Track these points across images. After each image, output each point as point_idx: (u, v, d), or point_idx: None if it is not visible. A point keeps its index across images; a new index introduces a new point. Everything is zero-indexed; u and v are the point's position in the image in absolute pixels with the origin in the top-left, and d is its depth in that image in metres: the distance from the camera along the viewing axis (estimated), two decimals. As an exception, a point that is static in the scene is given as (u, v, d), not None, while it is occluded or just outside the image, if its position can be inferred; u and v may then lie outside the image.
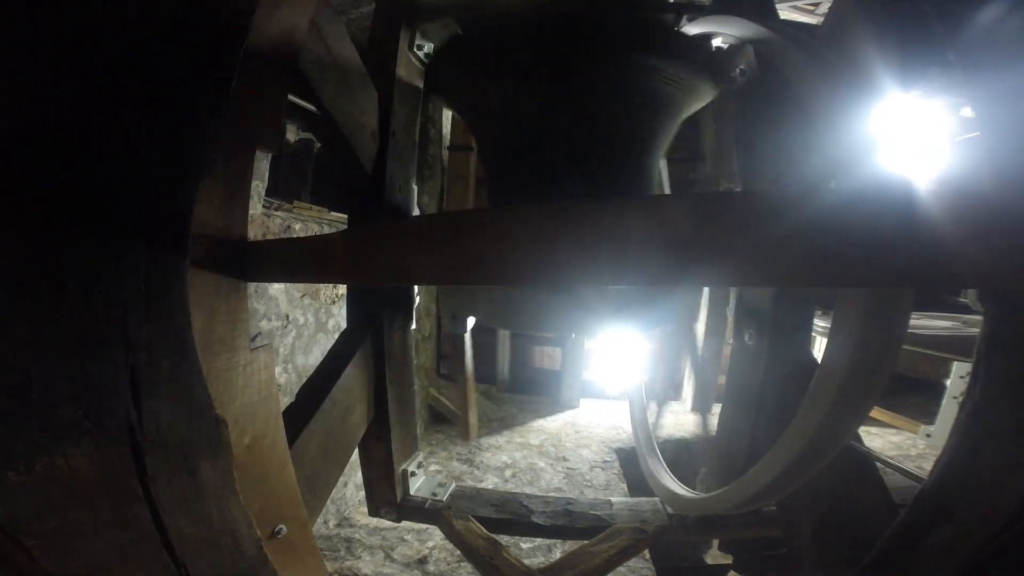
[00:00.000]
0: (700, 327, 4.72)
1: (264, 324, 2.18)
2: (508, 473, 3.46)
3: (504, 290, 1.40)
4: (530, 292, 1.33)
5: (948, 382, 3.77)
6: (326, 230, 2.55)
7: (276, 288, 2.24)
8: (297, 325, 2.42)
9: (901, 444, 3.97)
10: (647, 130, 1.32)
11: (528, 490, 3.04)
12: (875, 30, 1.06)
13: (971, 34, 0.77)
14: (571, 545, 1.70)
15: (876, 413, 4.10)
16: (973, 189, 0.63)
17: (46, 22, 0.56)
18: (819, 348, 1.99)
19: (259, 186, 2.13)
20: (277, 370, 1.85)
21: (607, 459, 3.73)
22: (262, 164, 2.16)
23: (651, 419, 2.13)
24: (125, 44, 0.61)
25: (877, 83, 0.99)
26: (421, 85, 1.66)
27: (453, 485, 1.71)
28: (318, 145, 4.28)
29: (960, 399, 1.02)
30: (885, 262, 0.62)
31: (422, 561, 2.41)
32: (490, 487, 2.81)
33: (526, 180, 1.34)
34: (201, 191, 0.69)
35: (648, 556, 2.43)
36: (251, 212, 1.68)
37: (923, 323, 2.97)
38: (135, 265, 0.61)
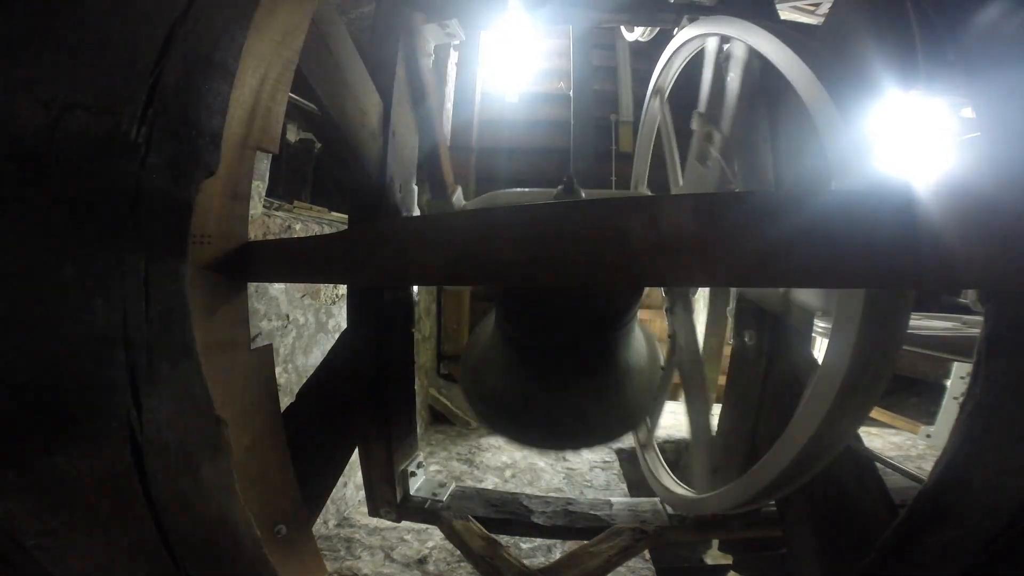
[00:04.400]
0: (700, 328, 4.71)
1: (264, 324, 2.18)
2: (508, 473, 3.46)
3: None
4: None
5: (948, 382, 3.76)
6: (326, 230, 2.54)
7: (276, 288, 2.24)
8: (297, 325, 2.42)
9: (901, 444, 3.96)
10: None
11: (528, 490, 3.04)
12: (875, 30, 1.06)
13: (971, 34, 0.77)
14: (571, 545, 1.70)
15: (876, 413, 4.10)
16: (973, 189, 0.62)
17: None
18: (819, 348, 1.99)
19: (259, 186, 2.13)
20: (277, 370, 1.85)
21: (607, 459, 3.72)
22: (262, 164, 2.16)
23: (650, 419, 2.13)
24: (126, 48, 0.61)
25: (877, 83, 0.99)
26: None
27: (453, 485, 1.71)
28: (318, 145, 4.28)
29: (960, 399, 1.01)
30: (885, 262, 0.62)
31: (422, 561, 2.41)
32: (490, 487, 2.81)
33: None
34: (201, 191, 0.69)
35: (648, 556, 2.43)
36: (251, 212, 1.68)
37: (923, 323, 2.97)
38: (135, 265, 0.61)
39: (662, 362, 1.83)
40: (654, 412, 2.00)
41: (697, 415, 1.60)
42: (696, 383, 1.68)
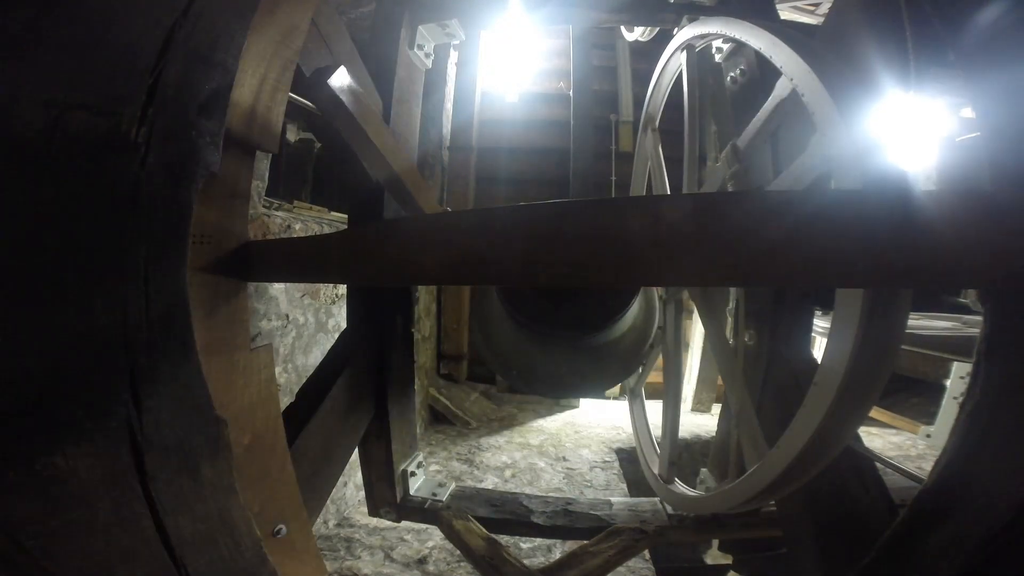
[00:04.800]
0: (698, 330, 4.72)
1: (264, 324, 2.18)
2: (508, 473, 3.45)
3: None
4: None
5: (948, 382, 3.77)
6: (326, 230, 2.54)
7: (276, 288, 2.24)
8: (297, 325, 2.42)
9: (901, 444, 3.96)
10: None
11: (528, 490, 3.03)
12: (875, 30, 1.06)
13: (971, 34, 0.77)
14: (571, 545, 1.70)
15: (876, 413, 4.10)
16: (973, 189, 0.63)
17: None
18: (819, 348, 2.00)
19: (259, 186, 2.13)
20: (277, 370, 1.85)
21: (607, 459, 3.72)
22: (262, 164, 2.16)
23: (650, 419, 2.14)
24: (126, 48, 0.61)
25: (877, 83, 0.99)
26: (421, 84, 1.66)
27: (453, 485, 1.71)
28: (318, 145, 4.28)
29: (960, 399, 1.01)
30: (885, 262, 0.62)
31: (422, 561, 2.40)
32: (490, 487, 2.80)
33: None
34: (201, 191, 0.69)
35: (648, 556, 2.43)
36: (251, 212, 1.68)
37: (923, 323, 2.96)
38: (135, 265, 0.61)
39: (657, 313, 1.91)
40: (646, 364, 2.12)
41: (667, 413, 1.69)
42: (672, 384, 1.74)
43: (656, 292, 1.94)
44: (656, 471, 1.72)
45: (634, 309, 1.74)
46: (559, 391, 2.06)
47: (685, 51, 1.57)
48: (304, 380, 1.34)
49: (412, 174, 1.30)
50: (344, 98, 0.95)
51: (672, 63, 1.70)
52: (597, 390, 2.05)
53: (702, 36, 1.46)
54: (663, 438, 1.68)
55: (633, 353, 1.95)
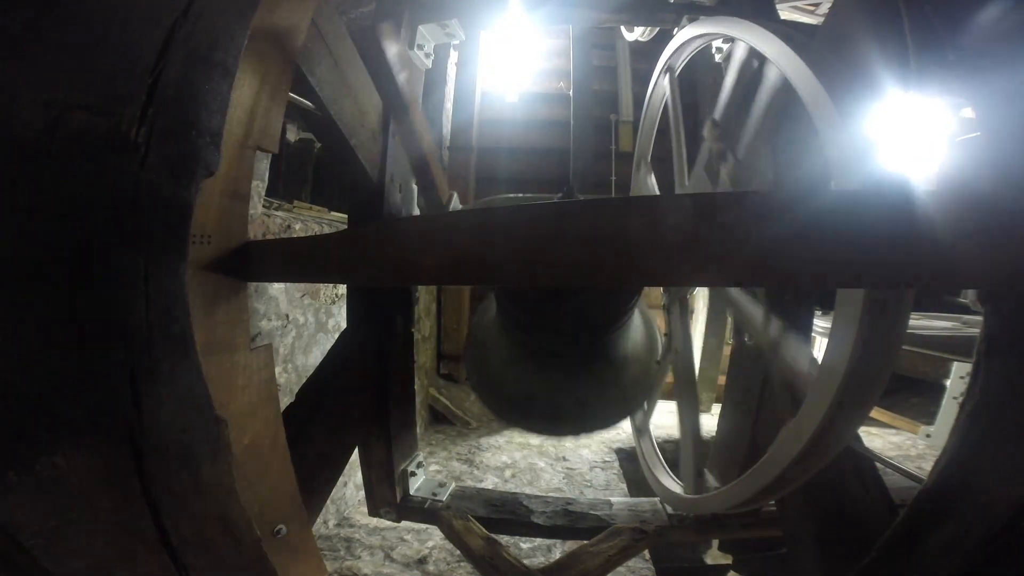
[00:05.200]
0: (699, 329, 4.72)
1: (264, 324, 2.18)
2: (508, 473, 3.46)
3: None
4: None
5: (948, 382, 3.76)
6: (326, 230, 2.54)
7: (276, 288, 2.24)
8: (297, 325, 2.42)
9: (901, 444, 3.96)
10: None
11: (528, 490, 3.03)
12: (875, 30, 1.06)
13: (971, 34, 0.77)
14: (571, 545, 1.70)
15: (876, 413, 4.10)
16: (973, 189, 0.63)
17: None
18: (819, 348, 1.99)
19: (259, 186, 2.13)
20: (277, 370, 1.85)
21: (607, 459, 3.72)
22: (262, 164, 2.16)
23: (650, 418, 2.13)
24: (126, 48, 0.61)
25: (877, 83, 0.99)
26: (421, 84, 1.66)
27: (453, 485, 1.71)
28: (318, 145, 4.27)
29: (960, 399, 1.01)
30: (884, 262, 0.62)
31: (422, 561, 2.41)
32: (490, 487, 2.81)
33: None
34: (201, 191, 0.69)
35: (648, 556, 2.43)
36: (251, 212, 1.68)
37: (923, 323, 2.97)
38: (135, 265, 0.61)
39: (660, 346, 1.86)
40: (650, 397, 2.04)
41: (686, 418, 1.62)
42: (687, 387, 1.69)
43: (656, 313, 1.92)
44: (681, 490, 1.65)
45: (636, 334, 1.71)
46: (557, 425, 1.96)
47: (668, 74, 1.59)
48: (304, 380, 1.34)
49: (434, 154, 1.34)
50: (389, 55, 0.97)
51: (659, 84, 1.73)
52: (598, 424, 1.94)
53: (695, 38, 1.48)
54: (683, 449, 1.61)
55: (636, 380, 1.88)
